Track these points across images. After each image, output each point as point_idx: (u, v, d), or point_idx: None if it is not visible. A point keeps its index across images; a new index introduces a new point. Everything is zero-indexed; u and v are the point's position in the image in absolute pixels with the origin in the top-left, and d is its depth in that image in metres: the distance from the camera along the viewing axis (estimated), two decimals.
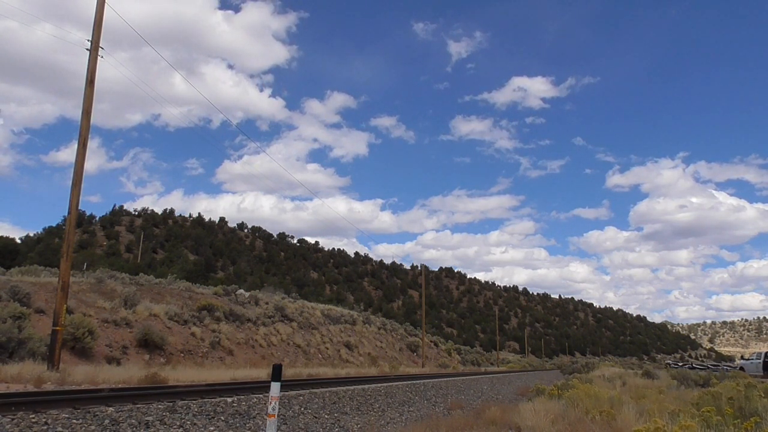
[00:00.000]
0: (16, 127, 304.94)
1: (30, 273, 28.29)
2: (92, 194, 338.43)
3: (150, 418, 8.28)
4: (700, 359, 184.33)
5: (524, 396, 21.32)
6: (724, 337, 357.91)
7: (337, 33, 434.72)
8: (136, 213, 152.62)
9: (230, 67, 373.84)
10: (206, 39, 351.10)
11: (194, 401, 9.72)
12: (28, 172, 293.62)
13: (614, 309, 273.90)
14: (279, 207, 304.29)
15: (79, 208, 16.23)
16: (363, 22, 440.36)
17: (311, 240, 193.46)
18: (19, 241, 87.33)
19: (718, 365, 62.30)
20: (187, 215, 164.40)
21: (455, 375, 34.64)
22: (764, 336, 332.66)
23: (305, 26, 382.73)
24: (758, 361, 32.80)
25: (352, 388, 15.26)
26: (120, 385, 11.94)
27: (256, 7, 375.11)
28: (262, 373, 19.60)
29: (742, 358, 49.10)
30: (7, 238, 67.84)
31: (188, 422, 8.71)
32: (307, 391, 13.25)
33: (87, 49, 16.06)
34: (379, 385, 17.40)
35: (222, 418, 9.40)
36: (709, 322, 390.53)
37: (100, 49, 16.19)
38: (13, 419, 7.04)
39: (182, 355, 23.75)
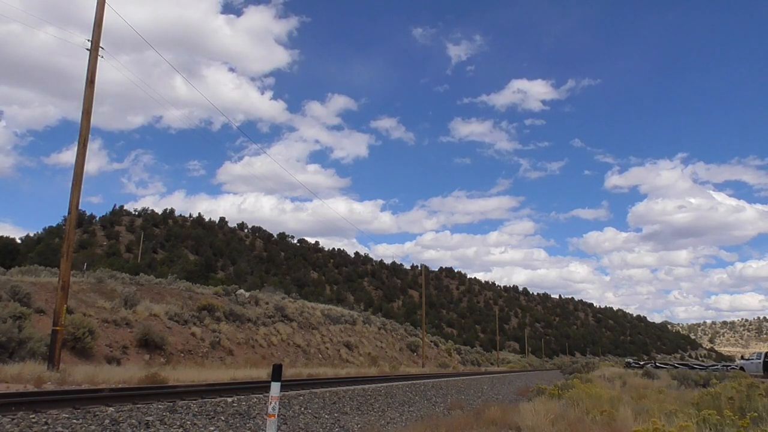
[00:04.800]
0: (18, 129, 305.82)
1: (30, 273, 28.29)
2: (93, 195, 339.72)
3: (150, 418, 8.29)
4: (700, 359, 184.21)
5: (524, 396, 21.32)
6: (724, 337, 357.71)
7: (338, 37, 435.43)
8: (136, 213, 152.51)
9: (232, 70, 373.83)
10: (208, 42, 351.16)
11: (194, 401, 9.72)
12: (30, 174, 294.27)
13: (614, 309, 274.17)
14: (279, 207, 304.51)
15: (80, 208, 16.25)
16: (364, 26, 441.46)
17: (311, 240, 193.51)
18: (19, 241, 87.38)
19: (687, 364, 60.41)
20: (187, 215, 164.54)
21: (455, 375, 34.64)
22: (764, 336, 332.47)
23: (306, 30, 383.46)
24: (758, 361, 32.80)
25: (352, 388, 15.26)
26: (120, 385, 11.94)
27: (258, 12, 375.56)
28: (262, 373, 19.59)
29: (742, 358, 48.95)
30: (7, 238, 67.93)
31: (188, 422, 8.72)
32: (307, 391, 13.25)
33: (87, 50, 16.07)
34: (379, 385, 17.40)
35: (222, 418, 9.40)
36: (709, 322, 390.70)
37: (100, 49, 16.20)
38: (13, 419, 7.04)
39: (182, 355, 23.75)
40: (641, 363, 63.39)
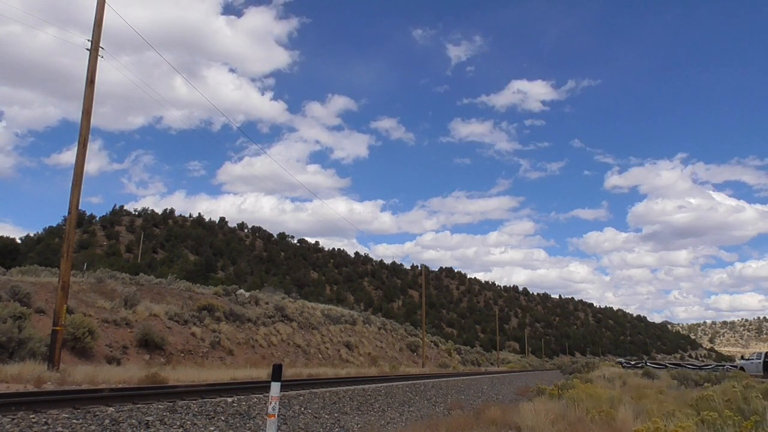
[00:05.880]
0: (19, 130, 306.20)
1: (30, 273, 28.30)
2: (93, 195, 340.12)
3: (150, 418, 8.29)
4: (700, 359, 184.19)
5: (524, 396, 21.32)
6: (724, 337, 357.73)
7: (338, 38, 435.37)
8: (136, 213, 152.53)
9: (232, 71, 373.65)
10: (208, 43, 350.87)
11: (194, 401, 9.73)
12: (30, 174, 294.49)
13: (614, 309, 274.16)
14: (279, 208, 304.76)
15: (80, 208, 16.26)
16: (364, 27, 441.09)
17: (311, 240, 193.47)
18: (19, 241, 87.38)
19: (679, 363, 59.99)
20: (187, 215, 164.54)
21: (455, 375, 34.64)
22: (764, 336, 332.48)
23: (307, 31, 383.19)
24: (758, 361, 32.80)
25: (352, 388, 15.27)
26: (120, 385, 11.94)
27: (258, 13, 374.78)
28: (262, 373, 19.60)
29: (742, 358, 48.94)
30: (7, 238, 67.94)
31: (188, 422, 8.72)
32: (307, 391, 13.26)
33: (87, 50, 16.08)
34: (379, 385, 17.41)
35: (222, 418, 9.40)
36: (709, 322, 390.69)
37: (100, 49, 16.21)
38: (13, 419, 7.04)
39: (182, 355, 23.75)
40: (633, 363, 63.30)
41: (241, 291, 39.23)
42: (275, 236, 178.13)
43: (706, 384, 20.12)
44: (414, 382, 20.77)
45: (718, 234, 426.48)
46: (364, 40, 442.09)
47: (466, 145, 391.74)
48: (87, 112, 15.79)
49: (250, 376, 18.45)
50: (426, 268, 63.27)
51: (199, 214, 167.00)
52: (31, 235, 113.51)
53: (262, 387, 12.83)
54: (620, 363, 63.54)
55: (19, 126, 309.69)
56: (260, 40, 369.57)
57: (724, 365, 49.39)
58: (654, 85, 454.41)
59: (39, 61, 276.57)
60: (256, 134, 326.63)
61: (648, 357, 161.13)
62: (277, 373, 6.33)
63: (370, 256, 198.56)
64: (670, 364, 58.24)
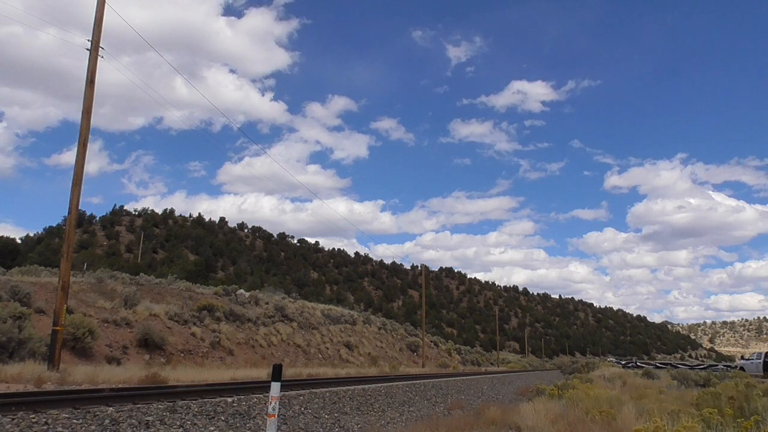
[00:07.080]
0: (19, 130, 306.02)
1: (30, 273, 28.31)
2: (93, 195, 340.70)
3: (150, 418, 8.29)
4: (700, 359, 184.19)
5: (524, 396, 21.30)
6: (724, 337, 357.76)
7: (338, 39, 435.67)
8: (137, 213, 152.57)
9: (232, 71, 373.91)
10: (209, 44, 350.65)
11: (194, 401, 9.72)
12: (31, 174, 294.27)
13: (614, 309, 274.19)
14: (279, 208, 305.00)
15: (80, 208, 16.26)
16: (364, 28, 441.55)
17: (311, 240, 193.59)
18: (19, 241, 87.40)
19: (671, 363, 59.91)
20: (187, 215, 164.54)
21: (455, 375, 34.64)
22: (764, 336, 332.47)
23: (307, 32, 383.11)
24: (758, 361, 32.80)
25: (352, 388, 15.27)
26: (120, 385, 11.94)
27: (258, 14, 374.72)
28: (262, 373, 19.59)
29: (742, 358, 48.97)
30: (7, 238, 68.00)
31: (188, 422, 8.72)
32: (307, 391, 13.25)
33: (87, 49, 16.07)
34: (379, 385, 17.41)
35: (222, 418, 9.40)
36: (709, 322, 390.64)
37: (100, 49, 16.21)
38: (13, 419, 7.04)
39: (182, 355, 23.74)
40: (624, 362, 63.29)
41: (241, 291, 39.22)
42: (275, 236, 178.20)
43: (714, 380, 20.12)
44: (414, 382, 20.77)
45: (718, 234, 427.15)
46: (364, 41, 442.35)
47: (466, 146, 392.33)
48: (87, 111, 15.78)
49: (250, 376, 18.44)
50: (426, 268, 63.24)
51: (199, 214, 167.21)
52: (31, 235, 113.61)
53: (262, 387, 12.83)
54: (612, 362, 63.52)
55: (19, 126, 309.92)
56: (260, 41, 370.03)
57: (719, 365, 49.49)
58: (654, 85, 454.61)
59: (39, 62, 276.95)
60: (256, 135, 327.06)
61: (647, 357, 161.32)
62: (277, 373, 6.32)
63: (370, 256, 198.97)
64: (660, 364, 58.11)
